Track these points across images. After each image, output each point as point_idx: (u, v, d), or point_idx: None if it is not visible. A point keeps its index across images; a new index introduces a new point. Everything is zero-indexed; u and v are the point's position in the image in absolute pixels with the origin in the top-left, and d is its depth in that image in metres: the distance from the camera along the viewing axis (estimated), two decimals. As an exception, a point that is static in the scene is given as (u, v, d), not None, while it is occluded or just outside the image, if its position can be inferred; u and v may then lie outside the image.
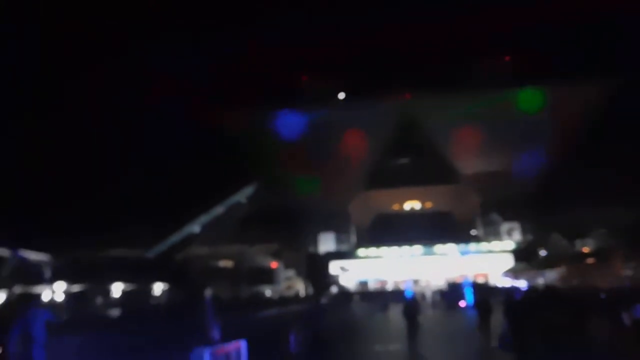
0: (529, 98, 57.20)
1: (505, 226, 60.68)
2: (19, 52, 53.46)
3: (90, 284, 31.48)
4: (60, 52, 55.15)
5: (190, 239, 52.83)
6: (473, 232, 63.30)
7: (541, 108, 56.04)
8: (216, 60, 58.19)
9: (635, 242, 34.84)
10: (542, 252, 54.87)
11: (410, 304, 15.73)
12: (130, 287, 34.51)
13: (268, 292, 49.26)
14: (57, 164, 52.39)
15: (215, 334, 13.08)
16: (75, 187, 50.20)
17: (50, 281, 28.24)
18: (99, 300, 31.68)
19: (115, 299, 32.37)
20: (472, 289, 34.66)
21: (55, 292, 28.69)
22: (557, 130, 54.94)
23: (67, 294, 29.65)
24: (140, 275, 36.10)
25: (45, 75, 55.10)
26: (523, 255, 53.85)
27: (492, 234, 60.96)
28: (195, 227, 54.28)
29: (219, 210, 55.71)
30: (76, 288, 30.76)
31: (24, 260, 28.61)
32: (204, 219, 54.66)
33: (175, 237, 51.65)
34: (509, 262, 55.09)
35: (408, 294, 16.60)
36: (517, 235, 59.49)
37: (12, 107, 50.94)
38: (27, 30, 53.01)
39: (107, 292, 32.73)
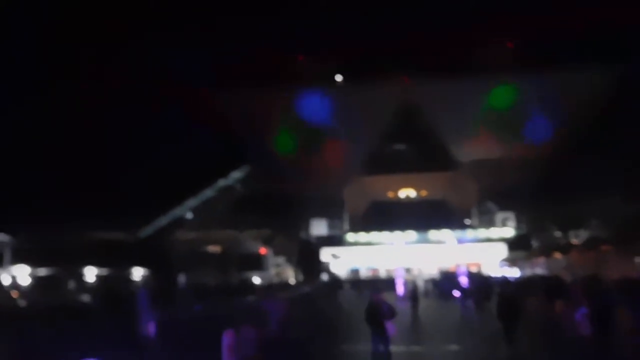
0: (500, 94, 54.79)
1: (500, 215, 58.13)
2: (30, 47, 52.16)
3: (60, 268, 28.53)
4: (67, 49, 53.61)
5: (179, 223, 49.96)
6: (467, 221, 60.68)
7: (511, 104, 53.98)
8: (212, 45, 55.64)
9: (628, 233, 32.84)
10: (534, 242, 52.67)
11: (374, 306, 10.37)
12: (106, 271, 31.60)
13: (256, 278, 46.54)
14: (42, 144, 49.79)
15: (149, 330, 10.28)
16: (60, 167, 47.57)
17: (10, 264, 25.29)
18: (71, 285, 28.79)
19: (89, 284, 29.49)
20: (468, 279, 31.93)
21: (17, 276, 25.81)
22: (555, 120, 52.41)
23: (33, 278, 26.78)
24: (118, 259, 33.21)
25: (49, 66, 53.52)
26: (521, 244, 51.29)
27: (487, 223, 58.35)
28: (184, 211, 51.40)
29: (208, 193, 52.81)
30: (43, 272, 27.89)
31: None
32: (193, 202, 51.77)
33: (163, 221, 48.78)
34: (505, 251, 52.57)
35: (377, 292, 11.00)
36: (513, 225, 56.91)
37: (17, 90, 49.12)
38: (38, 26, 51.47)
39: (80, 276, 29.82)
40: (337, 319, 19.70)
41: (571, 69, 49.92)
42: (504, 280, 20.47)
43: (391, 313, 10.18)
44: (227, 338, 5.57)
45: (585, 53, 52.35)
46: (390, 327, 10.15)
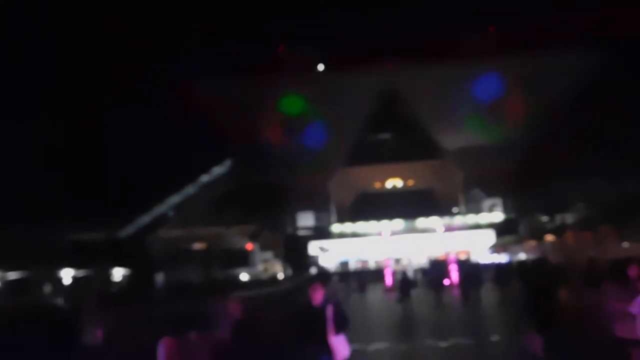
0: None
1: (487, 202, 57.53)
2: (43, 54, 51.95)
3: (35, 271, 27.10)
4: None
5: (161, 221, 48.46)
6: (455, 209, 59.98)
7: None
8: (193, 36, 54.34)
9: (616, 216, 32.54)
10: (522, 227, 52.22)
11: (313, 312, 6.15)
12: (83, 273, 30.17)
13: (244, 275, 45.36)
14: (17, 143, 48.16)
15: (93, 338, 9.08)
16: (36, 166, 46.00)
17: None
18: (47, 288, 27.39)
19: (65, 287, 28.09)
20: (457, 267, 31.10)
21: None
22: (540, 103, 51.80)
23: (5, 281, 25.36)
24: (97, 260, 31.78)
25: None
26: (510, 229, 50.73)
27: (475, 210, 57.70)
28: (166, 209, 49.89)
29: (191, 190, 51.32)
30: (13, 275, 26.43)
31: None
32: (176, 199, 50.27)
33: (144, 220, 47.26)
34: (494, 237, 51.98)
35: (321, 289, 6.35)
36: (500, 211, 56.33)
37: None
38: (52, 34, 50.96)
39: (56, 279, 28.39)
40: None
41: (554, 54, 49.36)
42: (536, 263, 18.45)
43: (342, 322, 6.07)
44: (164, 349, 4.44)
45: (569, 38, 51.94)
46: (341, 343, 6.00)
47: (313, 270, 48.06)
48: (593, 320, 6.73)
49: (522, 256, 45.72)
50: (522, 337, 6.96)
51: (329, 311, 6.00)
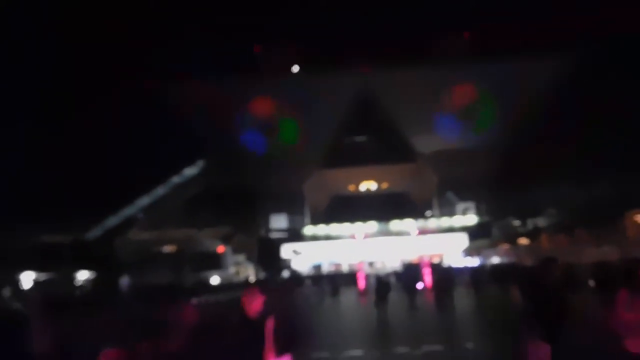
0: None
1: (460, 206, 58.01)
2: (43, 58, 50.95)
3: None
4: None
5: (129, 223, 47.24)
6: (428, 212, 60.30)
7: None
8: (169, 37, 53.40)
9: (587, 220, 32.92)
10: (495, 231, 52.74)
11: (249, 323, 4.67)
12: (45, 276, 29.01)
13: (215, 278, 44.52)
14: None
15: (42, 346, 8.42)
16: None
17: None
18: (6, 292, 26.14)
19: (25, 291, 26.91)
20: (430, 270, 30.99)
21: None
22: (514, 108, 52.44)
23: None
24: (61, 263, 30.64)
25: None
26: (483, 233, 51.12)
27: (448, 213, 58.11)
28: (135, 210, 48.67)
29: (161, 191, 50.21)
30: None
31: None
32: (145, 201, 49.09)
33: (112, 221, 45.98)
34: (467, 240, 52.32)
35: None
36: (473, 214, 56.83)
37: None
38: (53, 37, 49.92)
39: (16, 282, 27.20)
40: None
41: (527, 58, 50.00)
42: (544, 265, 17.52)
43: (287, 339, 4.81)
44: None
45: (542, 42, 52.77)
46: None
47: (286, 273, 47.57)
48: (601, 332, 6.01)
49: (496, 259, 46.05)
50: (514, 344, 6.38)
51: (269, 325, 4.49)
